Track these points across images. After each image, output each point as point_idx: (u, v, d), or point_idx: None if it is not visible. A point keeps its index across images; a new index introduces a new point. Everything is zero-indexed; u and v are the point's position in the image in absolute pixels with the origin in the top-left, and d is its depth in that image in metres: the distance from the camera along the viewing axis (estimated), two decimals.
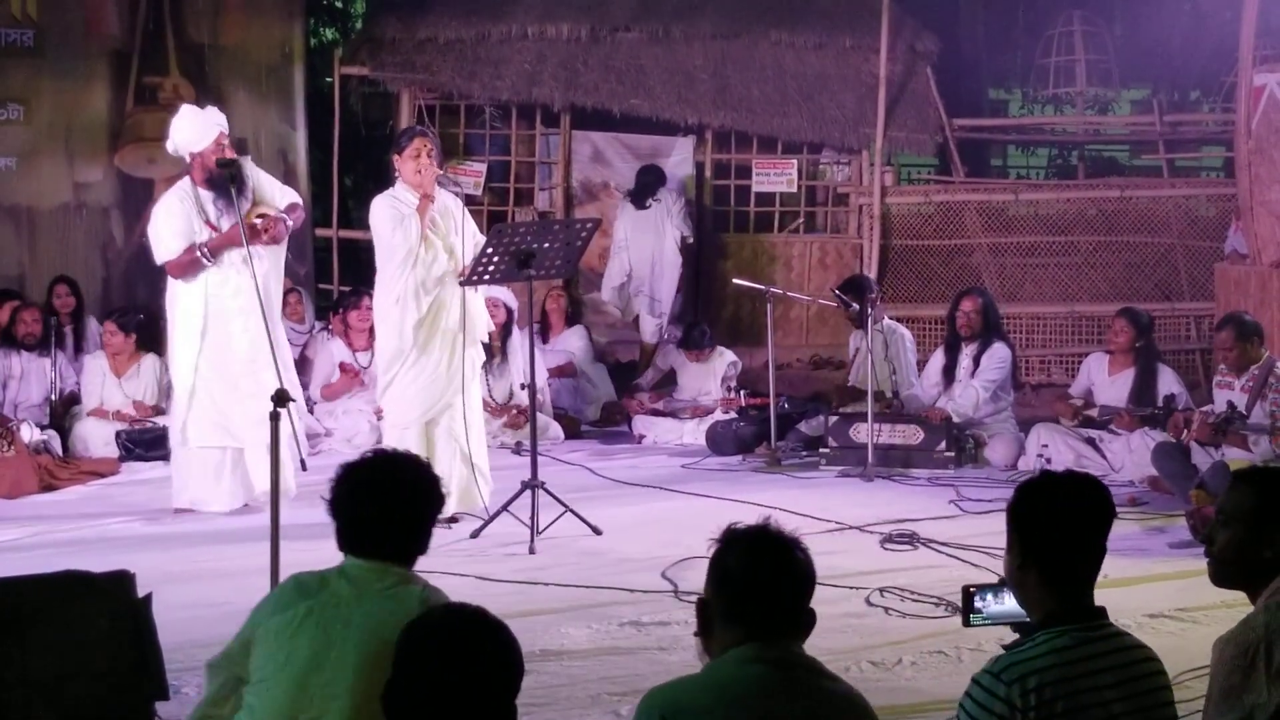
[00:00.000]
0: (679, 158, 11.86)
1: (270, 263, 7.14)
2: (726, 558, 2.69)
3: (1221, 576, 3.03)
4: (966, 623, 3.09)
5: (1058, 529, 2.82)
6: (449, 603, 2.56)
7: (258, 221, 7.01)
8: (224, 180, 6.89)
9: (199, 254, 6.96)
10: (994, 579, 3.22)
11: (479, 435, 6.97)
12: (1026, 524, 2.86)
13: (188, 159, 7.08)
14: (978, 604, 3.05)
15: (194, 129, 7.03)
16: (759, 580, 2.66)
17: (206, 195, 7.05)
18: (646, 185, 11.05)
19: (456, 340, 6.86)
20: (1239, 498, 3.01)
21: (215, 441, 7.14)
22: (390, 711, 2.47)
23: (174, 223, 7.00)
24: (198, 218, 7.01)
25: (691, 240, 11.12)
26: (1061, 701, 2.68)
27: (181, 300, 7.13)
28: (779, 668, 2.62)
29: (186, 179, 7.14)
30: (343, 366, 9.44)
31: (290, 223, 7.18)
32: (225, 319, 7.07)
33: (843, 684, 2.75)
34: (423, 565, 6.24)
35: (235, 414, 7.09)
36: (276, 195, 7.26)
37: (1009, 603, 3.03)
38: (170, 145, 7.16)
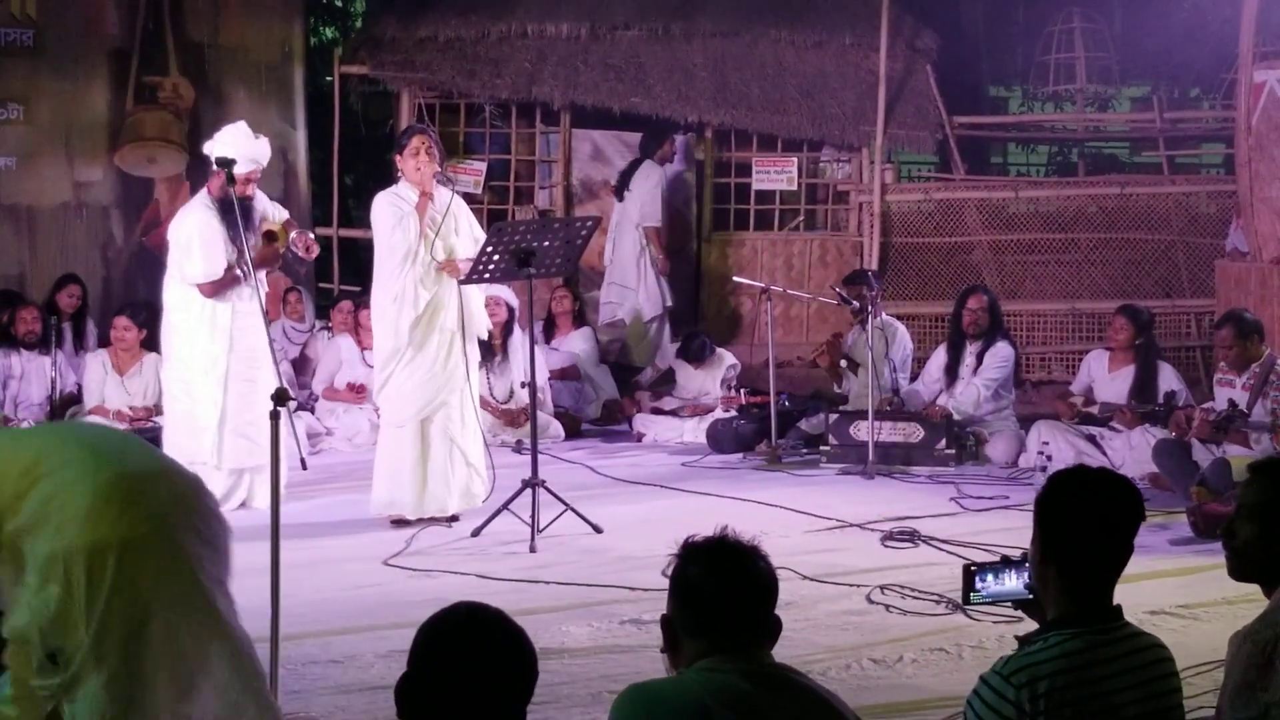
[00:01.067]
0: (678, 156, 11.87)
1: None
2: (687, 570, 2.67)
3: (1241, 570, 2.99)
4: (966, 600, 3.09)
5: (1081, 526, 2.78)
6: (469, 603, 2.54)
7: (293, 237, 7.26)
8: (237, 208, 6.89)
9: (239, 273, 7.07)
10: None
11: (475, 433, 6.96)
12: (1051, 518, 2.82)
13: (214, 169, 7.06)
14: (978, 583, 3.05)
15: (236, 150, 7.03)
16: (721, 591, 2.63)
17: (228, 214, 7.06)
18: (625, 174, 11.03)
19: (454, 339, 6.86)
20: (1259, 490, 2.96)
21: (245, 462, 7.24)
22: (404, 708, 2.46)
23: (216, 244, 7.09)
24: (226, 236, 7.10)
25: (653, 226, 10.76)
26: (1070, 707, 2.66)
27: (207, 316, 7.18)
28: (751, 679, 2.58)
29: (204, 194, 7.22)
30: (351, 386, 9.46)
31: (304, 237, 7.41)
32: (246, 334, 7.17)
33: (820, 693, 2.68)
34: (424, 564, 6.30)
35: (256, 428, 7.09)
36: (275, 213, 7.46)
37: (1008, 583, 3.03)
38: (207, 146, 7.17)
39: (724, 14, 12.07)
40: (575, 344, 10.26)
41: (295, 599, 5.13)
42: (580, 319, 10.45)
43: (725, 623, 2.62)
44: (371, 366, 9.07)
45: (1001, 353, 8.66)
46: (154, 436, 8.17)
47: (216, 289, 7.12)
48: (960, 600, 3.18)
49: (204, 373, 7.19)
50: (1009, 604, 3.10)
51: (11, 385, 8.99)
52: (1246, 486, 3.01)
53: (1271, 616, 2.85)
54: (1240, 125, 9.54)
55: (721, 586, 2.63)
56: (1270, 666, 2.78)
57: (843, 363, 9.22)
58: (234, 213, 6.81)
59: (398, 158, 6.92)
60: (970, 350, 8.74)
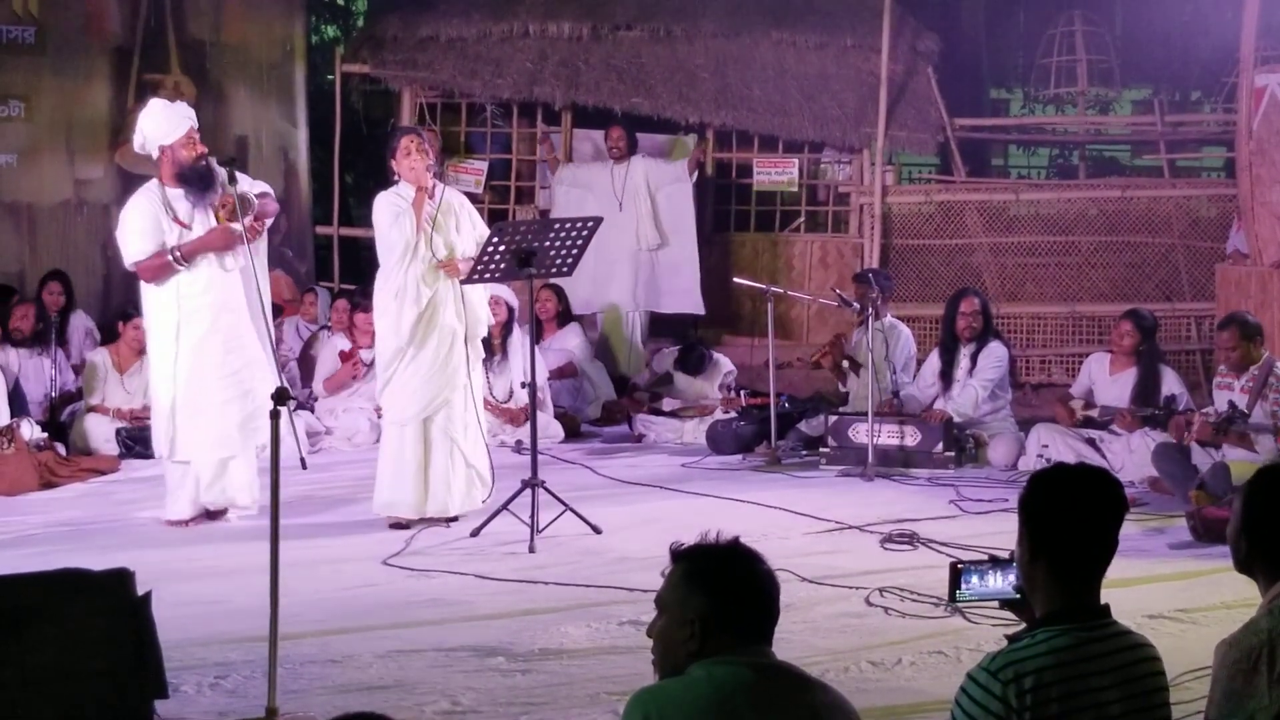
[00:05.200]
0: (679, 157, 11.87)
1: (248, 258, 6.83)
2: (717, 568, 2.73)
3: (1235, 561, 3.02)
4: (952, 599, 3.10)
5: (1071, 523, 2.78)
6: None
7: (240, 223, 6.71)
8: (195, 175, 6.76)
9: (170, 258, 6.73)
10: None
11: (477, 433, 6.95)
12: (1039, 517, 2.82)
13: (155, 154, 6.86)
14: (964, 582, 3.05)
15: (165, 121, 6.82)
16: (759, 586, 2.73)
17: (175, 193, 6.81)
18: None
19: (455, 336, 6.85)
20: (1250, 487, 3.00)
21: (203, 455, 6.90)
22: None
23: (143, 223, 6.76)
24: (166, 217, 6.78)
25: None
26: (1056, 704, 2.67)
27: (153, 304, 6.89)
28: (759, 671, 2.65)
29: (154, 180, 6.90)
30: (342, 355, 9.42)
31: (273, 202, 7.05)
32: (197, 319, 6.85)
33: (827, 688, 2.76)
34: (423, 564, 6.30)
35: (215, 423, 6.87)
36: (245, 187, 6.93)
37: (994, 583, 3.03)
38: (138, 141, 6.92)
39: (726, 15, 12.07)
40: (567, 340, 10.27)
41: (294, 598, 5.14)
42: (566, 318, 10.44)
43: (758, 618, 2.72)
44: (367, 365, 9.10)
45: (996, 352, 8.66)
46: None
47: (151, 273, 6.79)
48: (945, 598, 3.19)
49: (159, 364, 6.93)
50: (996, 603, 3.11)
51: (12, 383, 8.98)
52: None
53: (1256, 624, 2.85)
54: (1241, 129, 9.54)
55: (759, 582, 2.74)
56: (1255, 673, 2.77)
57: (844, 363, 9.22)
58: (191, 188, 6.72)
59: (392, 162, 6.91)
60: (964, 353, 8.73)
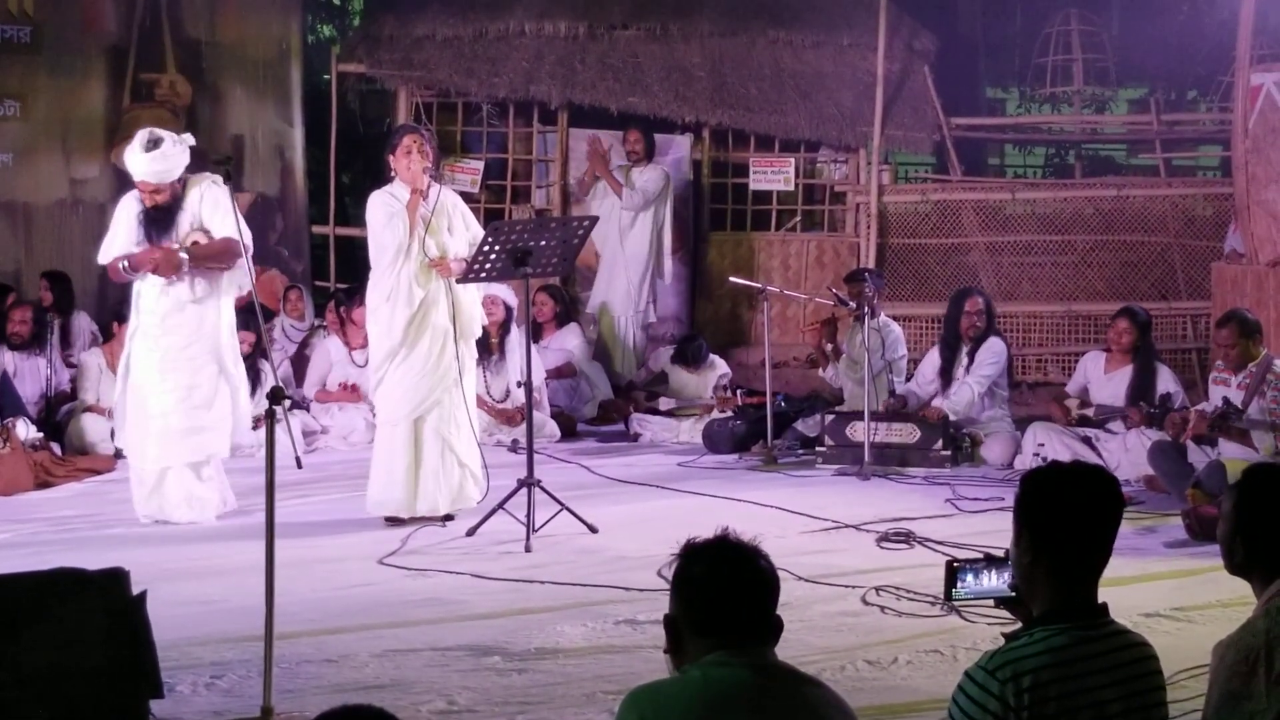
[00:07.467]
0: (676, 156, 11.85)
1: (214, 299, 6.95)
2: (692, 569, 2.71)
3: (1228, 564, 3.03)
4: (948, 597, 3.10)
5: (1069, 522, 2.77)
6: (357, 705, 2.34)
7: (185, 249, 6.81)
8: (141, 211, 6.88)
9: (120, 265, 6.89)
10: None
11: (469, 433, 6.94)
12: (1036, 517, 2.81)
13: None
14: (959, 581, 3.05)
15: (132, 165, 6.84)
16: (727, 588, 2.67)
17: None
18: None
19: (448, 337, 6.84)
20: (1231, 492, 3.02)
21: (136, 461, 7.07)
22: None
23: (117, 226, 6.98)
24: (138, 227, 6.89)
25: None
26: (1054, 702, 2.67)
27: (130, 304, 7.15)
28: (756, 672, 2.62)
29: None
30: (342, 386, 9.43)
31: (231, 251, 6.70)
32: (143, 331, 6.98)
33: (824, 688, 2.74)
34: (419, 563, 6.31)
35: (155, 435, 6.94)
36: (216, 224, 6.89)
37: (990, 581, 3.03)
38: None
39: (722, 14, 12.07)
40: (566, 340, 10.26)
41: (290, 597, 5.15)
42: (565, 318, 10.42)
43: (730, 619, 2.65)
44: (360, 366, 9.10)
45: (993, 347, 8.65)
46: None
47: (113, 273, 7.01)
48: (942, 596, 3.18)
49: (123, 356, 7.12)
50: (992, 602, 3.11)
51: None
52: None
53: (1253, 625, 2.84)
54: (1237, 128, 9.54)
55: (726, 583, 2.66)
56: (1253, 675, 2.76)
57: (828, 346, 9.21)
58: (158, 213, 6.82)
59: (390, 158, 6.92)
60: (965, 351, 8.74)
